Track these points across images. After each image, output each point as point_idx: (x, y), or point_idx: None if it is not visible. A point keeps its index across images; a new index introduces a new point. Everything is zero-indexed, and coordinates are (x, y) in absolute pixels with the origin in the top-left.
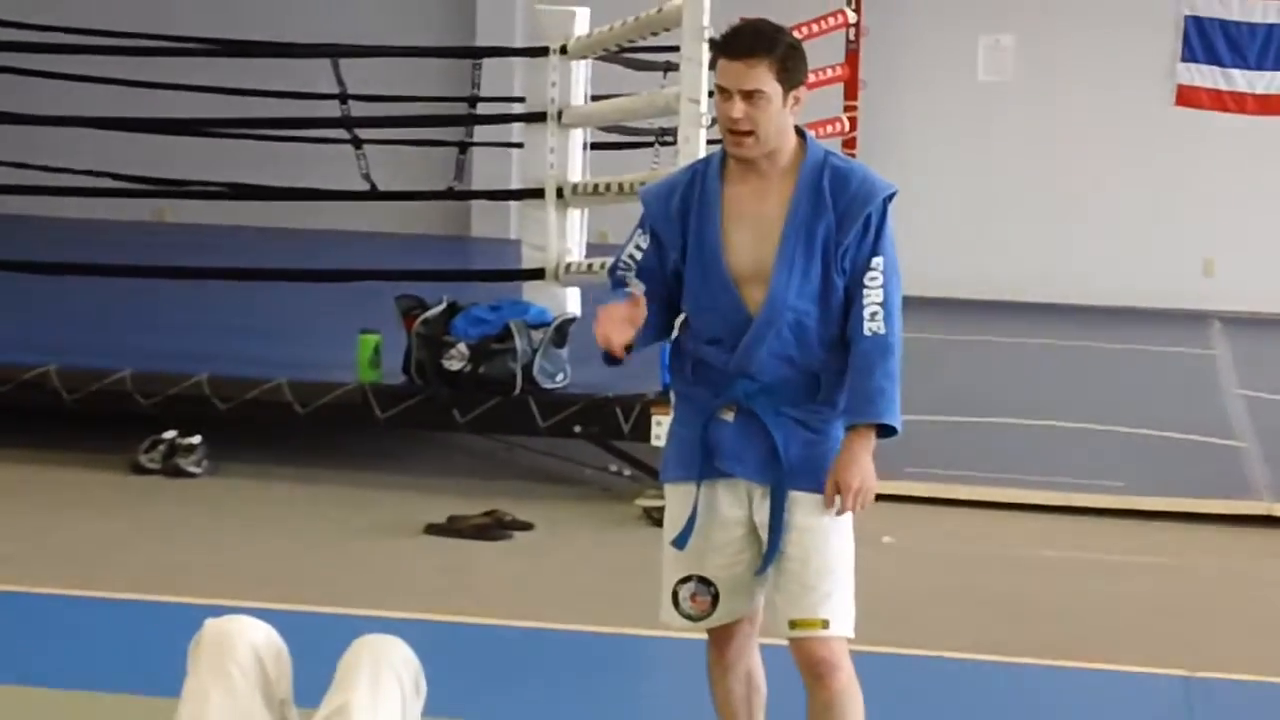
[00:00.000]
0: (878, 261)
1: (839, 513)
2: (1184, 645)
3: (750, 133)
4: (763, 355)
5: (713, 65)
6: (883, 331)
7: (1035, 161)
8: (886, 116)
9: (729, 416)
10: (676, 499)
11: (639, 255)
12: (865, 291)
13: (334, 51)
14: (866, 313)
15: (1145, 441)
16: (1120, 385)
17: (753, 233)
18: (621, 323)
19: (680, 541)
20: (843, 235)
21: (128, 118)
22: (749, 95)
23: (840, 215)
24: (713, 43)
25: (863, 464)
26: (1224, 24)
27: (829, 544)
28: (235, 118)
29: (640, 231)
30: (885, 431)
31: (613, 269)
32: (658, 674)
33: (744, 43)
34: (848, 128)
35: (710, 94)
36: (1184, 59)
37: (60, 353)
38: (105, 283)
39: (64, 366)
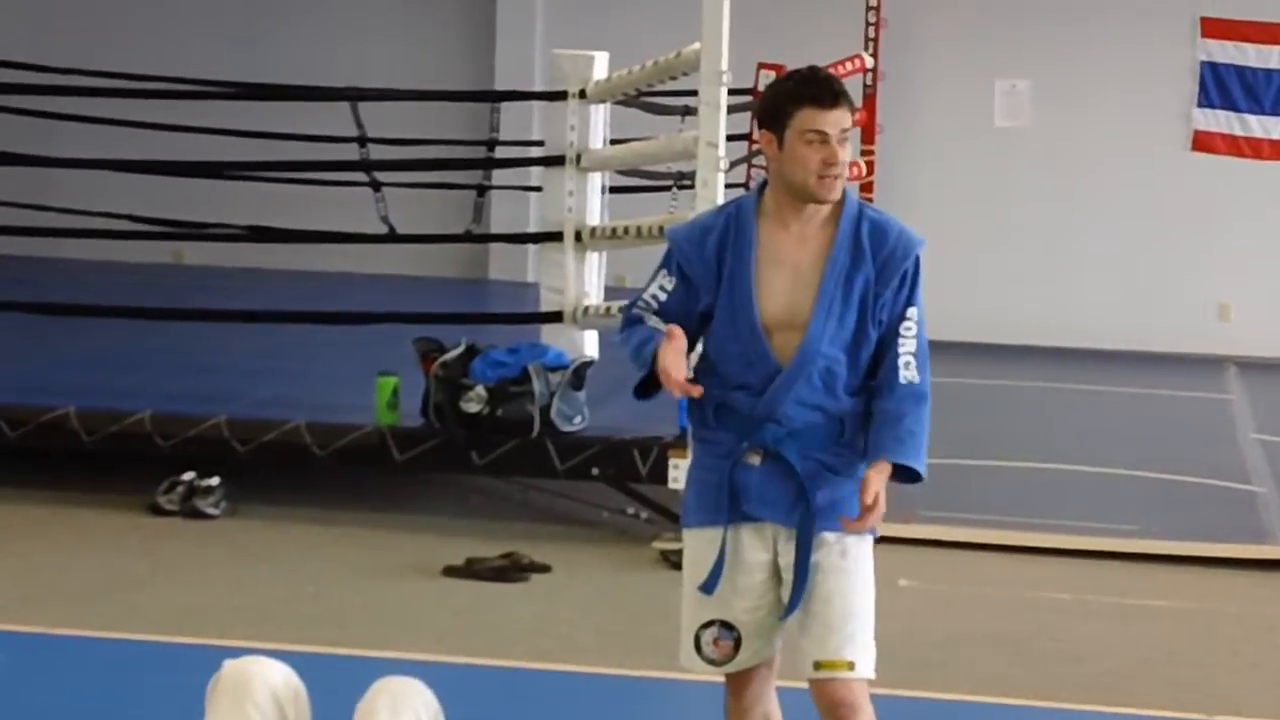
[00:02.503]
0: (913, 312)
1: (855, 522)
2: (1201, 689)
3: (841, 174)
4: (791, 401)
5: (781, 113)
6: (917, 380)
7: (1051, 206)
8: (903, 161)
9: (755, 460)
10: (701, 544)
11: (663, 297)
12: (900, 341)
13: (353, 95)
14: (901, 361)
15: (1161, 486)
16: (1136, 429)
17: (789, 279)
18: (679, 359)
19: (709, 586)
20: (881, 288)
21: (146, 160)
22: (844, 139)
23: (880, 268)
24: (792, 93)
25: (880, 493)
26: (1240, 70)
27: (854, 586)
28: (254, 160)
29: (665, 273)
30: (908, 476)
31: (629, 308)
32: (675, 717)
33: (833, 88)
34: (865, 172)
35: (735, 137)
36: (1200, 104)
37: (79, 394)
38: (124, 325)
39: (83, 408)
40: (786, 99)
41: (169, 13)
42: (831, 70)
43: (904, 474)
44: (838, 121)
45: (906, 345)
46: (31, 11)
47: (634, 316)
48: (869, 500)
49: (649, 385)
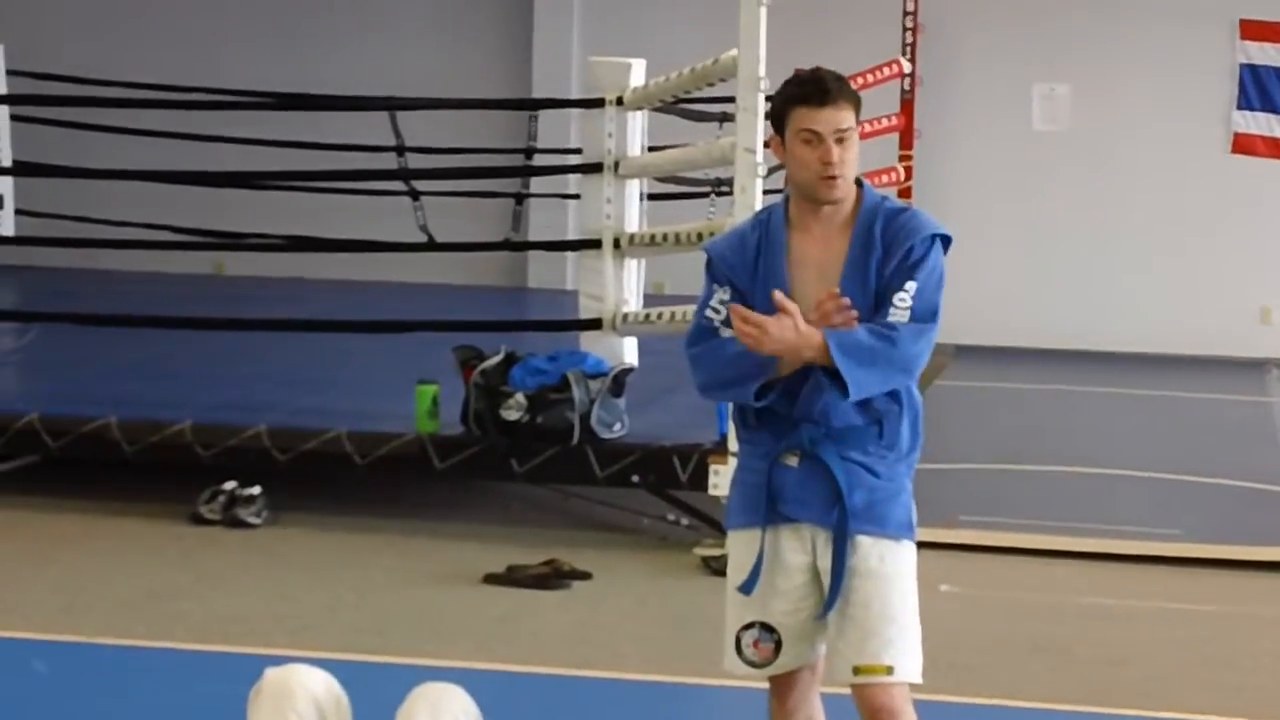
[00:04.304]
0: (910, 285)
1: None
2: (1244, 693)
3: (841, 174)
4: (827, 400)
5: (781, 115)
6: (896, 333)
7: (1090, 210)
8: (942, 166)
9: (793, 462)
10: (741, 545)
11: (722, 311)
12: (891, 310)
13: (391, 104)
14: (887, 320)
15: (1202, 489)
16: (1176, 433)
17: (816, 280)
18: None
19: (747, 587)
20: (885, 267)
21: (186, 171)
22: (841, 138)
23: (885, 249)
24: (788, 95)
25: (808, 336)
26: (1279, 72)
27: (892, 589)
28: (293, 170)
29: (717, 286)
30: (839, 384)
31: (697, 319)
32: None
33: (831, 88)
34: (903, 177)
35: (769, 144)
36: (1240, 107)
37: (120, 404)
38: (165, 335)
39: (124, 418)
40: (783, 101)
41: (208, 24)
42: (868, 75)
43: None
44: (832, 120)
45: (896, 315)
46: (72, 24)
47: (706, 327)
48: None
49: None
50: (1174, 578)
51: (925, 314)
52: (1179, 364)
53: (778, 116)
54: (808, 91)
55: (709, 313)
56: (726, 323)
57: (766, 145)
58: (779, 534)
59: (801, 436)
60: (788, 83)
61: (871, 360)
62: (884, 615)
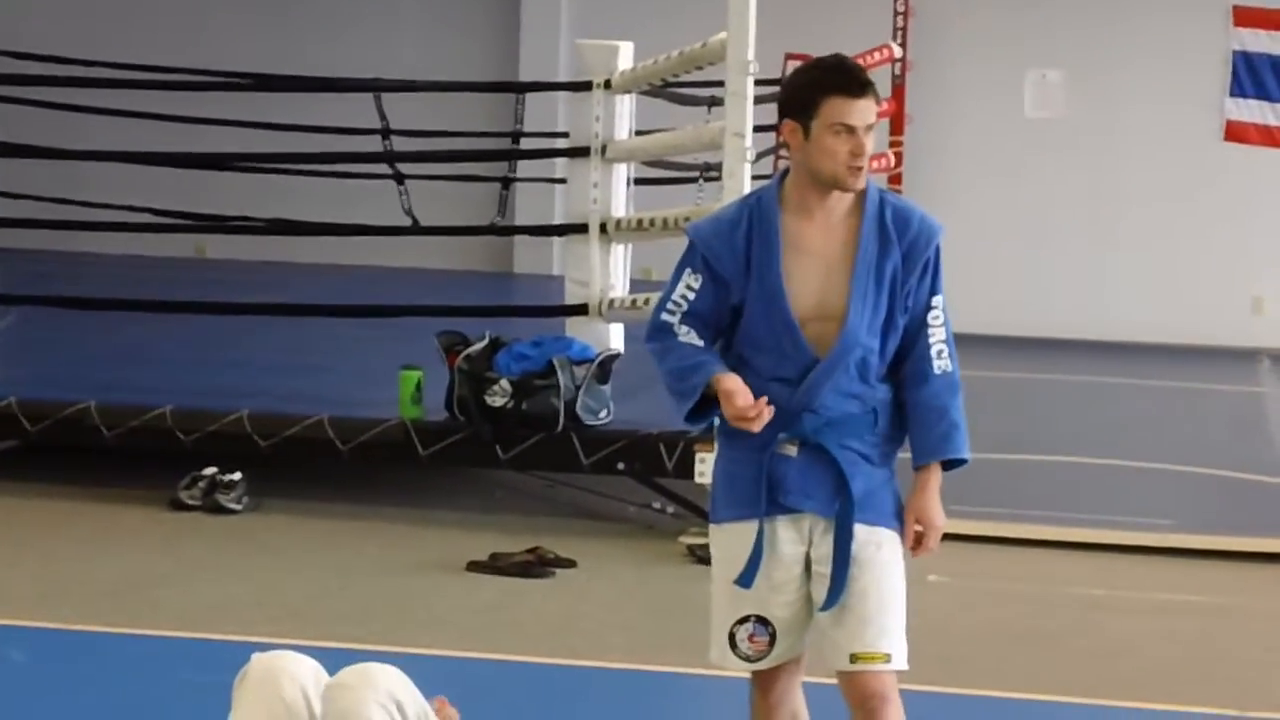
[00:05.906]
0: (938, 300)
1: (917, 552)
2: (1235, 684)
3: (864, 164)
4: (828, 390)
5: (809, 102)
6: (950, 369)
7: (1083, 197)
8: (933, 152)
9: (792, 451)
10: (734, 538)
11: (691, 296)
12: (930, 330)
13: (377, 86)
14: (933, 351)
15: (1194, 480)
16: (1168, 423)
17: (818, 270)
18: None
19: (746, 580)
20: (908, 274)
21: (169, 153)
22: (870, 128)
23: (905, 254)
24: (821, 83)
25: (938, 502)
26: (1273, 60)
27: (889, 578)
28: (277, 153)
29: (690, 271)
30: (952, 464)
31: (657, 312)
32: (701, 713)
33: (862, 79)
34: (894, 163)
35: (762, 128)
36: (1232, 94)
37: (100, 389)
38: (145, 319)
39: (104, 403)
40: (814, 89)
41: (191, 5)
42: (859, 60)
43: (947, 463)
44: (865, 112)
45: (936, 334)
46: (53, 3)
47: (663, 324)
48: (938, 524)
49: (697, 411)
50: (1165, 568)
51: (950, 325)
52: (1170, 354)
53: (805, 104)
54: (845, 82)
55: (675, 298)
56: (685, 317)
57: (775, 130)
58: (774, 526)
59: (803, 426)
60: (813, 69)
61: (964, 423)
62: (881, 604)
